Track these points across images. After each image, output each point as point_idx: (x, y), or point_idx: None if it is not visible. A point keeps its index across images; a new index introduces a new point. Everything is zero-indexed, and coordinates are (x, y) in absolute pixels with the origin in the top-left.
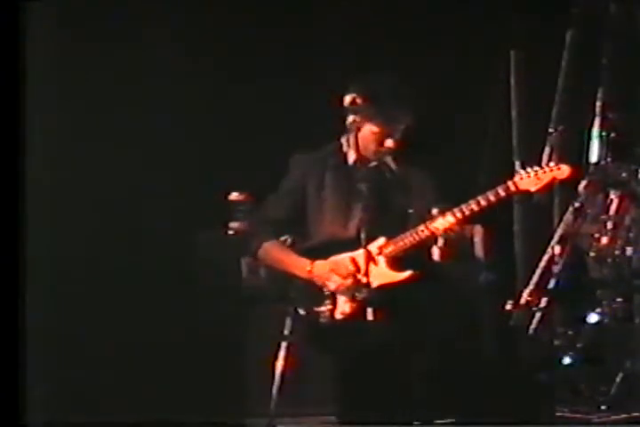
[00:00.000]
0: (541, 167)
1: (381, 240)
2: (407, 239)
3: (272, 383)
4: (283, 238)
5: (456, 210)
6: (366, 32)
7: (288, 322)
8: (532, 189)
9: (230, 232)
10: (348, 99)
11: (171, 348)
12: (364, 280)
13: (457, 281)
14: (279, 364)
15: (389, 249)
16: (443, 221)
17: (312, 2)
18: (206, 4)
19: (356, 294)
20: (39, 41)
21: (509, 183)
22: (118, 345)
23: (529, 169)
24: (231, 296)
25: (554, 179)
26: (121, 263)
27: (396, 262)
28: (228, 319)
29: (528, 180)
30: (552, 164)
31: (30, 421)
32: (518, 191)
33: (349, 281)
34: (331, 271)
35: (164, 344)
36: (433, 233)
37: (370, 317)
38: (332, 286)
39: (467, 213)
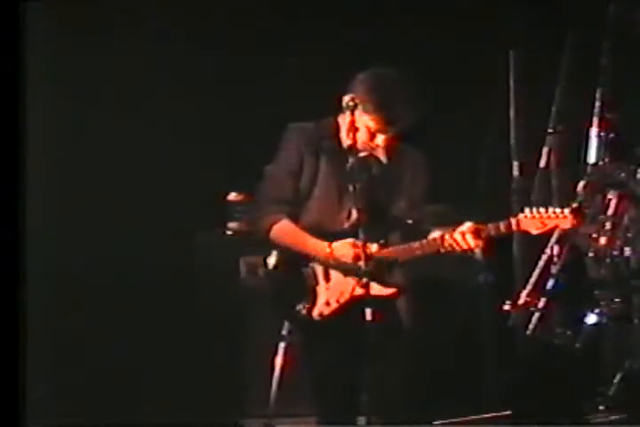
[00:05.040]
0: (547, 211)
1: (374, 247)
2: (400, 252)
3: (270, 384)
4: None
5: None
6: (365, 32)
7: (286, 322)
8: (534, 231)
9: (229, 232)
10: (346, 99)
11: (170, 349)
12: (345, 285)
13: (455, 281)
14: (277, 364)
15: (380, 258)
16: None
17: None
18: (206, 4)
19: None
20: (39, 41)
21: (513, 221)
22: (118, 346)
23: (535, 210)
24: (229, 297)
25: (556, 226)
26: (121, 264)
27: (384, 274)
28: (227, 320)
29: (532, 221)
30: (558, 210)
31: (30, 423)
32: (519, 230)
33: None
34: (355, 253)
35: (163, 345)
36: (424, 250)
37: (368, 317)
38: (359, 270)
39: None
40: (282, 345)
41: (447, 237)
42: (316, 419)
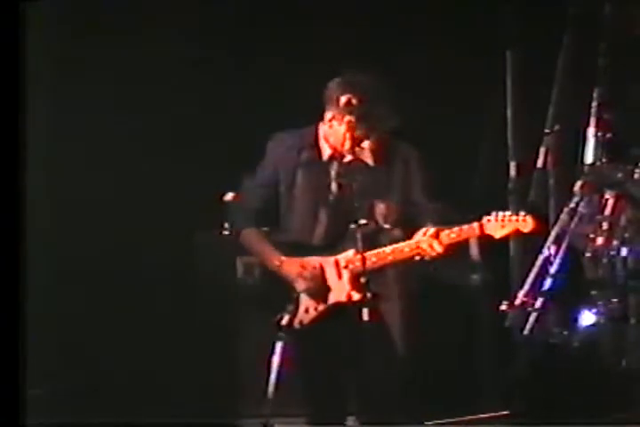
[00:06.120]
0: (510, 214)
1: (350, 253)
2: (378, 257)
3: (267, 383)
4: (263, 229)
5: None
6: (365, 31)
7: (283, 322)
8: (496, 235)
9: (225, 233)
10: (343, 99)
11: (169, 349)
12: (323, 292)
13: (452, 282)
14: (275, 364)
15: (357, 265)
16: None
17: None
18: (205, 5)
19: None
20: (39, 41)
21: (475, 225)
22: (117, 346)
23: (496, 213)
24: (227, 296)
25: (517, 230)
26: (119, 264)
27: (360, 281)
28: (224, 320)
29: (495, 224)
30: (522, 213)
31: (30, 422)
32: (483, 235)
33: (313, 286)
34: (298, 272)
35: (162, 345)
36: (395, 257)
37: (365, 317)
38: (299, 286)
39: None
40: (279, 345)
41: (415, 245)
42: (313, 419)
